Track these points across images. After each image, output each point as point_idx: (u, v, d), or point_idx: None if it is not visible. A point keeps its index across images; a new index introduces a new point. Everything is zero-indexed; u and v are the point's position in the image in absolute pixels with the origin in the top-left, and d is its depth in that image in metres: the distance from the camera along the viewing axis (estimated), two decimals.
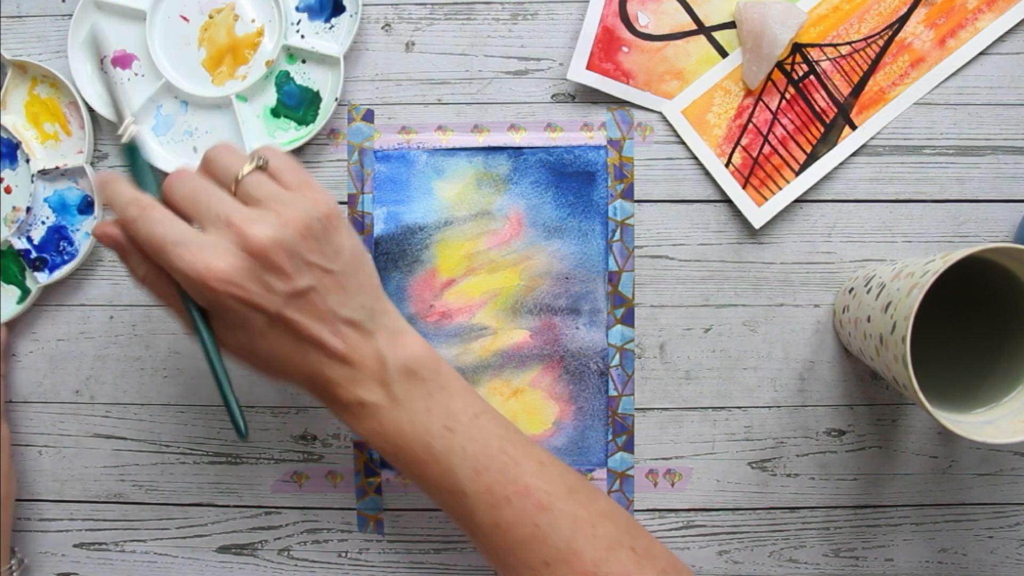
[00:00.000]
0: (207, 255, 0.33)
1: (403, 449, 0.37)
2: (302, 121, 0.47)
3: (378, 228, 0.47)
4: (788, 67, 0.46)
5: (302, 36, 0.47)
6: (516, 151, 0.48)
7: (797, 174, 0.47)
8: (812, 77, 0.46)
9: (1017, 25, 0.46)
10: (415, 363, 0.38)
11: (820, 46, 0.46)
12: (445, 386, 0.38)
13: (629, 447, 0.48)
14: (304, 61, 0.47)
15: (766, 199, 0.47)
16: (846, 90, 0.46)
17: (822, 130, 0.47)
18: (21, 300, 0.47)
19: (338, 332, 0.36)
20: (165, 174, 0.36)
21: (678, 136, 0.47)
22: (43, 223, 0.47)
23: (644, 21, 0.46)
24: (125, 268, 0.36)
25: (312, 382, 0.37)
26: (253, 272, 0.33)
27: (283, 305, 0.34)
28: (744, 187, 0.47)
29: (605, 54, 0.46)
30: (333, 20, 0.47)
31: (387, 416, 0.37)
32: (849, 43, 0.46)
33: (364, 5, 0.47)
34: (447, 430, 0.37)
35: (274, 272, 0.34)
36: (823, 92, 0.46)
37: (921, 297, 0.35)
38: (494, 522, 0.37)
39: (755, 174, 0.47)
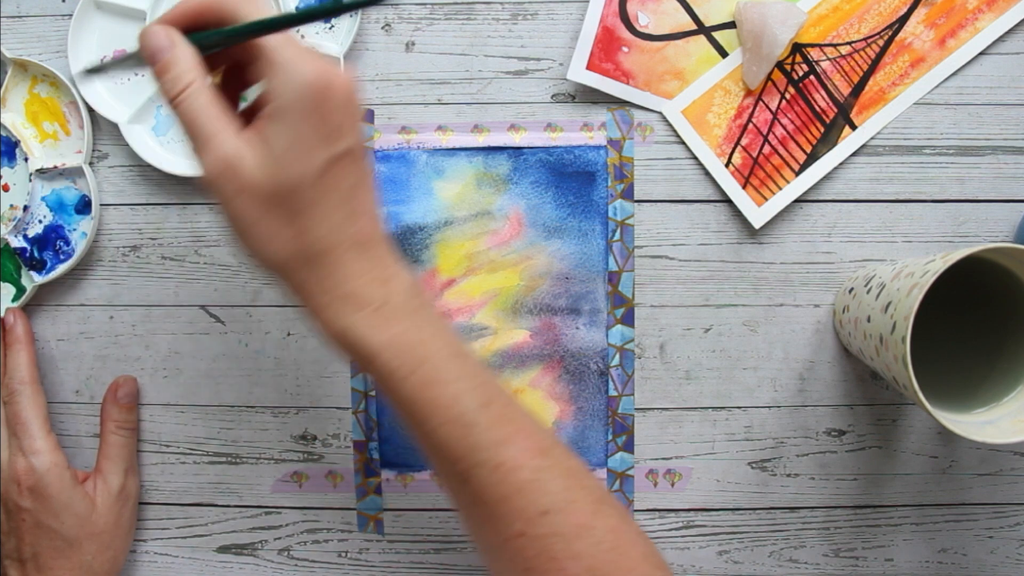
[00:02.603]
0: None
1: (417, 367, 0.34)
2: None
3: None
4: (788, 67, 0.46)
5: (302, 36, 0.46)
6: (516, 151, 0.48)
7: (797, 174, 0.47)
8: (812, 77, 0.46)
9: (1017, 25, 0.46)
10: (420, 287, 0.36)
11: (820, 46, 0.46)
12: (441, 315, 0.37)
13: (629, 447, 0.48)
14: None
15: (766, 199, 0.47)
16: (846, 90, 0.46)
17: (822, 130, 0.47)
18: (16, 298, 0.47)
19: (374, 213, 0.35)
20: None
21: (678, 136, 0.47)
22: (40, 222, 0.47)
23: (644, 21, 0.46)
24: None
25: (323, 260, 0.34)
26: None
27: (351, 148, 0.33)
28: (744, 187, 0.47)
29: (605, 54, 0.46)
30: (333, 20, 0.47)
31: (405, 326, 0.34)
32: (849, 43, 0.46)
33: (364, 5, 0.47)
34: (456, 355, 0.35)
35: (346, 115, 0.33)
36: (823, 92, 0.46)
37: (921, 297, 0.35)
38: (497, 462, 0.34)
39: (755, 174, 0.47)
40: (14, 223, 0.46)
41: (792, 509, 0.48)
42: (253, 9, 0.33)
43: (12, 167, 0.47)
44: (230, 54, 0.35)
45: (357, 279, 0.34)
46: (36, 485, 0.43)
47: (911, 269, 0.38)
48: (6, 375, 0.45)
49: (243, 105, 0.37)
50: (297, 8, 0.46)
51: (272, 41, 0.32)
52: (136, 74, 0.47)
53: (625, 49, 0.47)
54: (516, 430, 0.35)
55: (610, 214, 0.47)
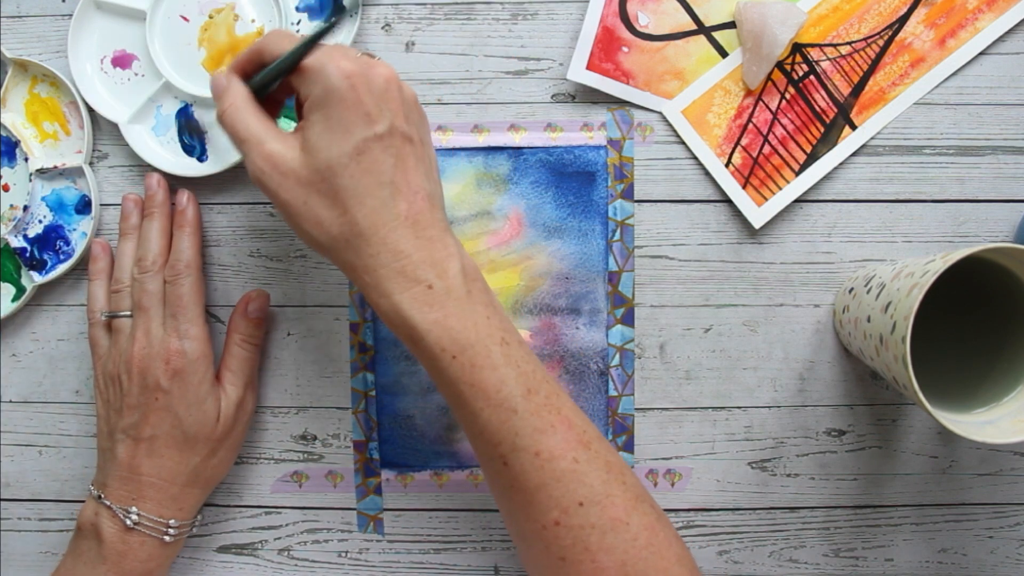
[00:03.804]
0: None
1: (464, 349, 0.35)
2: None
3: None
4: (788, 67, 0.46)
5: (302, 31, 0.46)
6: (516, 151, 0.48)
7: (797, 174, 0.47)
8: (812, 77, 0.46)
9: (1017, 25, 0.46)
10: (474, 270, 0.37)
11: (820, 46, 0.46)
12: (494, 300, 0.38)
13: (629, 447, 0.48)
14: None
15: (766, 199, 0.47)
16: (846, 90, 0.46)
17: (822, 130, 0.47)
18: (16, 298, 0.47)
19: (424, 192, 0.36)
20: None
21: (678, 136, 0.47)
22: (40, 222, 0.47)
23: (644, 21, 0.46)
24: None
25: (371, 238, 0.35)
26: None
27: (391, 130, 0.36)
28: (744, 187, 0.47)
29: (605, 54, 0.46)
30: (333, 20, 0.46)
31: (456, 308, 0.35)
32: (849, 43, 0.46)
33: (364, 5, 0.47)
34: (504, 342, 0.36)
35: (392, 102, 0.36)
36: (823, 92, 0.46)
37: (921, 297, 0.35)
38: (537, 449, 0.35)
39: (755, 174, 0.47)
40: (14, 223, 0.46)
41: (792, 509, 0.48)
42: (287, 42, 0.37)
43: (12, 167, 0.47)
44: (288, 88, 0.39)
45: (407, 258, 0.35)
46: (182, 370, 0.42)
47: (911, 269, 0.38)
48: (172, 256, 0.44)
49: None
50: (297, 8, 0.46)
51: (311, 58, 0.36)
52: (137, 75, 0.47)
53: (625, 49, 0.47)
54: (559, 420, 0.36)
55: (610, 214, 0.47)
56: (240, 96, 0.37)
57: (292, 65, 0.37)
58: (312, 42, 0.36)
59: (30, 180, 0.46)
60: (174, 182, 0.47)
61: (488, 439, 0.36)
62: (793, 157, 0.47)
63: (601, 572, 0.35)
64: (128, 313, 0.44)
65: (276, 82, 0.38)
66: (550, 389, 0.37)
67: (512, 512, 0.37)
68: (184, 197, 0.45)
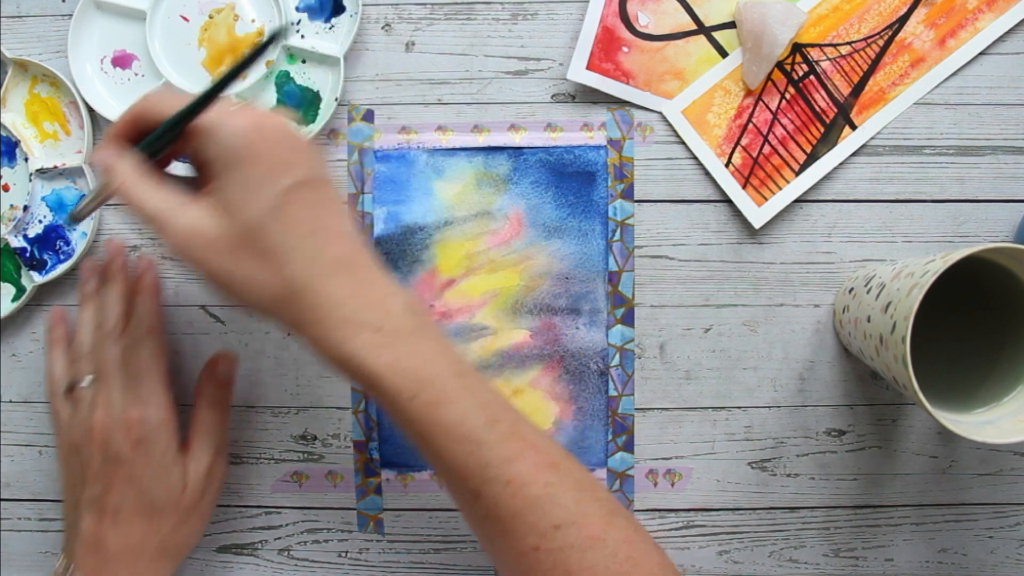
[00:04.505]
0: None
1: (422, 388, 0.34)
2: (302, 121, 0.47)
3: (378, 228, 0.47)
4: (788, 67, 0.46)
5: (302, 36, 0.47)
6: (516, 151, 0.48)
7: (797, 174, 0.47)
8: (812, 77, 0.46)
9: (1017, 25, 0.46)
10: (418, 304, 0.36)
11: (820, 46, 0.46)
12: (441, 332, 0.37)
13: (629, 447, 0.48)
14: (304, 61, 0.47)
15: (766, 199, 0.47)
16: (846, 90, 0.46)
17: (822, 130, 0.47)
18: (16, 298, 0.47)
19: (350, 234, 0.35)
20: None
21: (678, 136, 0.47)
22: (40, 222, 0.47)
23: (644, 21, 0.46)
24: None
25: (309, 292, 0.34)
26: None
27: (302, 179, 0.34)
28: (744, 187, 0.47)
29: (605, 54, 0.46)
30: (333, 20, 0.47)
31: (406, 347, 0.35)
32: (849, 43, 0.46)
33: (364, 5, 0.47)
34: (460, 375, 0.35)
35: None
36: (823, 92, 0.46)
37: (921, 297, 0.35)
38: (507, 478, 0.35)
39: (755, 174, 0.47)
40: (14, 223, 0.46)
41: (792, 509, 0.48)
42: (175, 103, 0.35)
43: (12, 167, 0.47)
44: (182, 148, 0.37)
45: (348, 304, 0.35)
46: (144, 438, 0.41)
47: (911, 269, 0.38)
48: (132, 322, 0.43)
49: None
50: (297, 8, 0.46)
51: (201, 118, 0.34)
52: (137, 75, 0.47)
53: (625, 49, 0.47)
54: (525, 446, 0.36)
55: (610, 214, 0.47)
56: (132, 169, 0.35)
57: (182, 127, 0.35)
58: (201, 104, 0.34)
59: (30, 180, 0.46)
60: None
61: (457, 474, 0.35)
62: (793, 157, 0.47)
63: None
64: (88, 381, 0.43)
65: (165, 147, 0.36)
66: (512, 416, 0.36)
67: (490, 541, 0.37)
68: (144, 263, 0.46)
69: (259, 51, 0.36)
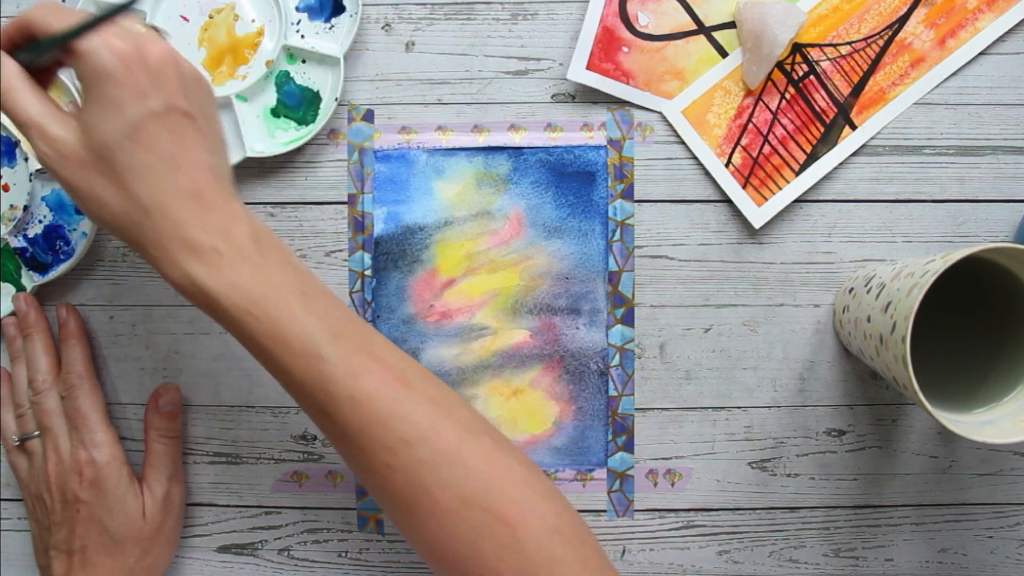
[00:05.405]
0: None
1: (261, 306, 0.35)
2: (302, 121, 0.47)
3: (378, 228, 0.47)
4: (788, 67, 0.46)
5: (302, 36, 0.47)
6: (516, 151, 0.48)
7: (797, 174, 0.47)
8: (812, 77, 0.46)
9: (1017, 25, 0.46)
10: (266, 233, 0.37)
11: (820, 46, 0.46)
12: (292, 259, 0.37)
13: (629, 447, 0.48)
14: (304, 61, 0.47)
15: (766, 199, 0.47)
16: (846, 90, 0.46)
17: (822, 130, 0.47)
18: None
19: (206, 166, 0.36)
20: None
21: (678, 136, 0.47)
22: (40, 222, 0.47)
23: (644, 21, 0.46)
24: None
25: (154, 213, 0.35)
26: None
27: (167, 107, 0.35)
28: (744, 187, 0.47)
29: (605, 54, 0.46)
30: (333, 20, 0.47)
31: (248, 268, 0.35)
32: (849, 43, 0.46)
33: (364, 5, 0.47)
34: (304, 294, 0.36)
35: (164, 78, 0.35)
36: (823, 92, 0.46)
37: (921, 297, 0.35)
38: (351, 394, 0.35)
39: (755, 174, 0.47)
40: (14, 223, 0.46)
41: (792, 509, 0.48)
42: (63, 18, 0.35)
43: (12, 167, 0.47)
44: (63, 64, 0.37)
45: (191, 227, 0.35)
46: (96, 478, 0.43)
47: (911, 269, 0.38)
48: (63, 370, 0.45)
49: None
50: (297, 8, 0.46)
51: (87, 37, 0.34)
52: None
53: (625, 49, 0.47)
54: (371, 361, 0.36)
55: (610, 214, 0.47)
56: (14, 74, 0.36)
57: (64, 45, 0.35)
58: (87, 27, 0.35)
59: (30, 180, 0.46)
60: None
61: (304, 391, 0.36)
62: (793, 157, 0.47)
63: (440, 509, 0.35)
64: (36, 434, 0.45)
65: (45, 59, 0.36)
66: (361, 332, 0.36)
67: (348, 460, 0.37)
68: (63, 310, 0.47)
69: None
